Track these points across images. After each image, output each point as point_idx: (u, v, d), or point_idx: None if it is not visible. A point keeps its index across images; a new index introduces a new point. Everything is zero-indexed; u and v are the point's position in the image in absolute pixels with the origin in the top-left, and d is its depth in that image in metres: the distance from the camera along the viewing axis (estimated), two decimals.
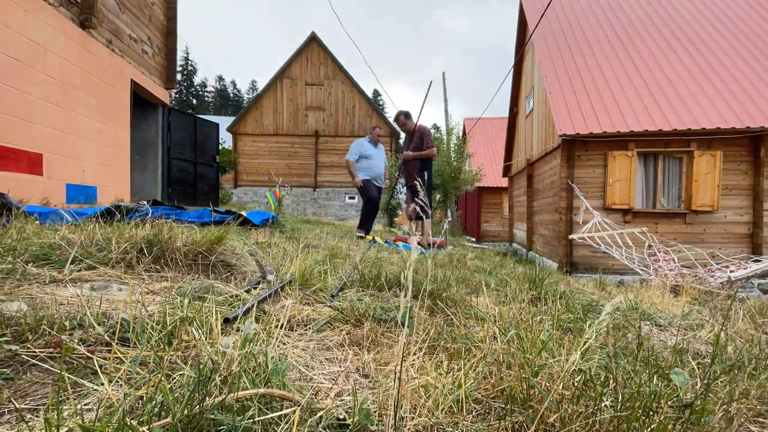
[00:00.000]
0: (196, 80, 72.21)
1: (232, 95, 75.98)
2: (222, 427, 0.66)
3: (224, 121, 24.02)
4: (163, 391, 0.65)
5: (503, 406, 0.87)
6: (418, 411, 0.82)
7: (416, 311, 1.58)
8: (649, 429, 0.73)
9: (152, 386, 0.73)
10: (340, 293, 1.74)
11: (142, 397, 0.73)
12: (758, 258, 6.44)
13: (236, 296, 1.46)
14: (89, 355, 0.90)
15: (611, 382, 0.82)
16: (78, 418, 0.60)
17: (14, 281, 1.34)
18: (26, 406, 0.75)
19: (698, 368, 1.13)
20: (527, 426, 0.81)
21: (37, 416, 0.72)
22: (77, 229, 2.05)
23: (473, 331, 1.35)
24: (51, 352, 0.92)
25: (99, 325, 1.01)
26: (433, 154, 5.65)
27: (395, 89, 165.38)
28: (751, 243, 7.86)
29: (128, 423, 0.59)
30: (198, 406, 0.65)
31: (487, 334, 1.20)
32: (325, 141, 18.83)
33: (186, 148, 7.98)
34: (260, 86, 45.60)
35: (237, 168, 17.96)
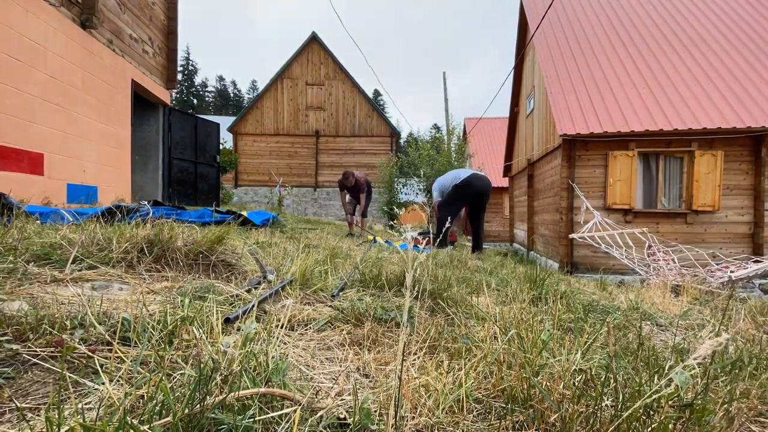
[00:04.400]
0: (197, 80, 72.26)
1: (232, 95, 76.02)
2: (223, 427, 0.66)
3: (225, 121, 24.04)
4: (164, 390, 0.65)
5: (504, 405, 0.87)
6: (418, 410, 0.82)
7: (417, 311, 1.58)
8: (649, 428, 0.73)
9: (153, 385, 0.73)
10: (341, 293, 1.74)
11: (143, 396, 0.74)
12: (759, 258, 6.43)
13: (237, 296, 1.46)
14: (90, 354, 0.90)
15: (612, 381, 0.82)
16: (79, 417, 0.60)
17: (15, 281, 1.35)
18: (27, 405, 0.75)
19: (699, 368, 1.13)
20: (528, 425, 0.81)
21: (38, 415, 0.72)
22: (78, 228, 2.06)
23: (474, 331, 1.34)
24: (52, 352, 0.92)
25: (100, 324, 1.02)
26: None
27: (395, 89, 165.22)
28: (752, 243, 7.84)
29: (129, 422, 0.59)
30: (199, 406, 0.65)
31: (488, 334, 1.20)
32: (326, 141, 18.83)
33: (187, 148, 7.99)
34: (261, 86, 45.63)
35: (237, 168, 17.96)
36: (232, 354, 0.83)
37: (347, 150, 18.79)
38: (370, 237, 5.48)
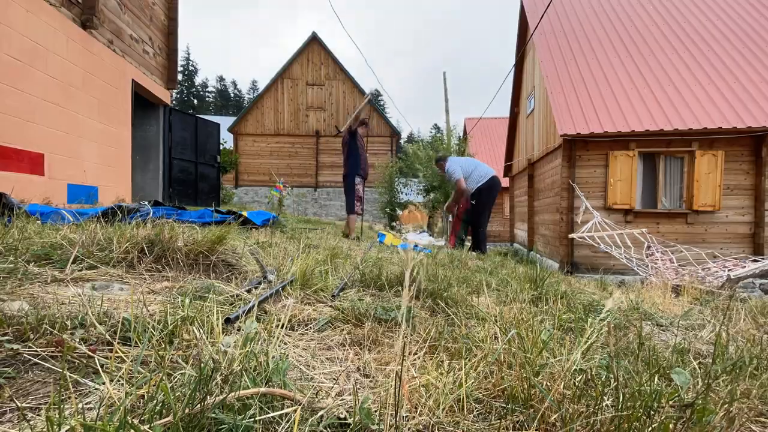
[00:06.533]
0: (197, 80, 72.39)
1: (232, 95, 76.10)
2: (223, 426, 0.66)
3: (225, 122, 24.05)
4: (165, 390, 0.65)
5: (504, 405, 0.87)
6: (418, 410, 0.82)
7: (417, 311, 1.58)
8: (650, 428, 0.73)
9: (153, 385, 0.73)
10: (341, 293, 1.74)
11: (144, 396, 0.74)
12: (757, 257, 6.42)
13: (237, 296, 1.46)
14: (91, 354, 0.90)
15: (612, 381, 0.82)
16: (79, 416, 0.60)
17: (16, 281, 1.35)
18: (28, 405, 0.75)
19: (699, 368, 1.13)
20: (528, 425, 0.81)
21: (38, 415, 0.72)
22: (79, 228, 2.06)
23: (474, 331, 1.34)
24: (52, 351, 0.92)
25: (100, 324, 1.02)
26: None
27: (395, 87, 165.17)
28: (753, 243, 7.84)
29: (130, 422, 0.59)
30: (199, 405, 0.65)
31: (488, 334, 1.20)
32: (326, 141, 18.83)
33: (187, 148, 7.99)
34: (261, 86, 45.65)
35: (238, 168, 17.99)
36: (233, 354, 0.83)
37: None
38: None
